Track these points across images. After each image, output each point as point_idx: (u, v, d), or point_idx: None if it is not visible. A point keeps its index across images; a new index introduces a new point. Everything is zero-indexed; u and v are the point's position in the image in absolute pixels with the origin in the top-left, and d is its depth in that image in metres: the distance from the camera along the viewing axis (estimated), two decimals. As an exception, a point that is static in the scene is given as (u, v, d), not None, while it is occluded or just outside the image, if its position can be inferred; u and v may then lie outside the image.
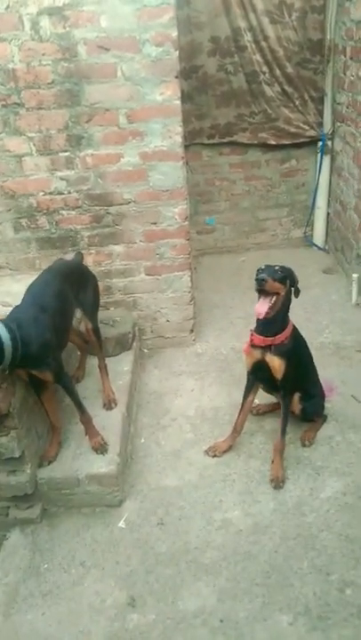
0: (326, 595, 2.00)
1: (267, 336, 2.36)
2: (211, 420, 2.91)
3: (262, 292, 2.23)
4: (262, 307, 2.25)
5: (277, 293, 2.28)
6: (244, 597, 2.03)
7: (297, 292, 2.38)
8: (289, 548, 2.20)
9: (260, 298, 2.26)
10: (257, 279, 2.21)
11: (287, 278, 2.32)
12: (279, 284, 2.27)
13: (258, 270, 2.28)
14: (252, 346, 2.42)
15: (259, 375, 2.50)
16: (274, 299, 2.26)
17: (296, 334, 2.47)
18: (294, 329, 2.46)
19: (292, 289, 2.37)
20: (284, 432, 2.52)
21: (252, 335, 2.42)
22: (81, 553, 2.25)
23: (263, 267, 2.30)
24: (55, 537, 2.32)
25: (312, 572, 2.09)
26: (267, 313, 2.24)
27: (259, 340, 2.38)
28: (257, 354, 2.42)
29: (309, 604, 1.97)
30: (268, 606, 1.99)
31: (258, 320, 2.35)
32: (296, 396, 2.58)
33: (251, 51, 3.99)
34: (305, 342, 2.57)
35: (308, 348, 2.60)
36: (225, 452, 2.67)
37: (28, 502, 2.36)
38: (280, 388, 2.49)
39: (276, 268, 2.30)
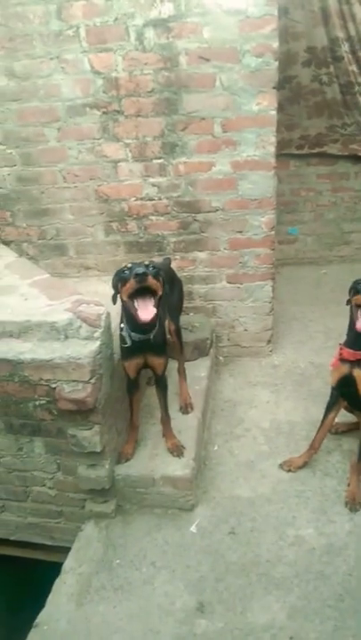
0: None
1: (357, 349, 2.30)
2: (286, 434, 2.87)
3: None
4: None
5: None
6: (315, 618, 1.98)
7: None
8: (364, 573, 2.12)
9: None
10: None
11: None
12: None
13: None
14: (341, 360, 2.37)
15: (344, 391, 2.44)
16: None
17: None
18: None
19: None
20: None
21: (341, 349, 2.36)
22: (152, 553, 2.28)
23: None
24: (128, 534, 2.37)
25: (389, 602, 2.01)
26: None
27: (349, 353, 2.32)
28: (345, 368, 2.36)
29: (385, 635, 1.90)
30: (341, 631, 1.93)
31: (353, 332, 2.30)
32: None
33: (347, 61, 3.92)
34: None
35: None
36: (300, 467, 2.62)
37: (104, 497, 2.43)
38: None
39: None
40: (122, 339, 2.28)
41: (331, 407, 2.54)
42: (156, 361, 2.36)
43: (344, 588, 2.08)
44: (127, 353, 2.32)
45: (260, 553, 2.24)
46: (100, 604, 2.09)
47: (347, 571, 2.15)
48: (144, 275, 2.05)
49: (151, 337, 2.25)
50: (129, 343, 2.26)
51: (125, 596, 2.12)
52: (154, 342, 2.29)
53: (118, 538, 2.36)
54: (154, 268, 2.17)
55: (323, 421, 2.56)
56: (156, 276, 2.13)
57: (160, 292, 2.16)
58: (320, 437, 2.58)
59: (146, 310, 2.09)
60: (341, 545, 2.25)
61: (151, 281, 2.09)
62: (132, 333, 2.24)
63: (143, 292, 2.09)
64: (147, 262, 2.19)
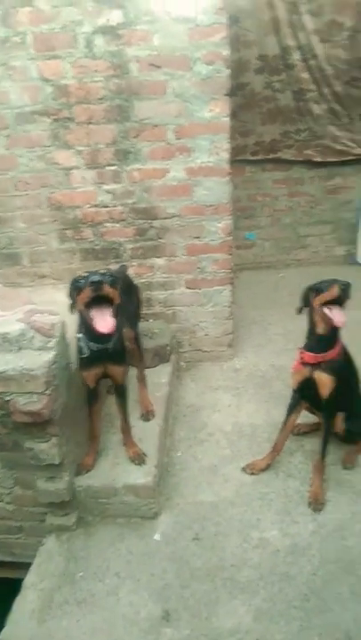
0: (367, 623, 1.94)
1: (318, 352, 2.33)
2: (248, 437, 2.87)
3: None
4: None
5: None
6: (280, 619, 1.98)
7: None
8: (328, 571, 2.13)
9: None
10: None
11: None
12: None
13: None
14: (303, 363, 2.39)
15: (305, 393, 2.46)
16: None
17: (345, 351, 2.44)
18: (344, 346, 2.42)
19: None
20: (324, 453, 2.47)
21: (302, 353, 2.39)
22: (116, 563, 2.24)
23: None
24: (90, 545, 2.33)
25: (352, 598, 2.02)
26: None
27: (310, 357, 2.35)
28: (306, 371, 2.38)
29: (350, 632, 1.91)
30: (306, 631, 1.93)
31: (313, 336, 2.33)
32: (340, 416, 2.53)
33: (299, 69, 4.02)
34: (352, 360, 2.52)
35: (355, 367, 2.55)
36: (263, 470, 2.63)
37: (64, 510, 2.38)
38: (325, 408, 2.44)
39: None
40: (79, 349, 2.25)
41: (292, 409, 2.57)
42: (116, 370, 2.34)
43: (309, 587, 2.09)
44: (85, 363, 2.28)
45: (224, 557, 2.23)
46: (63, 618, 2.04)
47: (311, 570, 2.15)
48: (100, 283, 2.02)
49: (110, 346, 2.23)
50: (87, 353, 2.23)
51: (89, 609, 2.07)
52: (112, 351, 2.26)
53: (80, 550, 2.31)
54: (110, 276, 2.14)
55: (284, 423, 2.58)
56: (112, 285, 2.11)
57: (117, 301, 2.13)
58: (282, 439, 2.60)
59: (103, 320, 2.07)
60: (305, 545, 2.26)
61: (107, 289, 2.06)
62: (90, 343, 2.21)
63: (99, 300, 2.07)
64: (103, 270, 2.17)
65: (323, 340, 2.32)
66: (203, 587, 2.11)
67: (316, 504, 2.40)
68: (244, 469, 2.64)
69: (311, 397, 2.45)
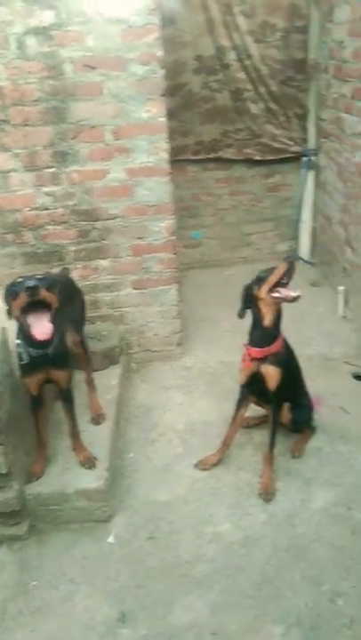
0: (318, 605, 1.99)
1: (263, 347, 2.37)
2: (200, 434, 2.90)
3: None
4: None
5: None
6: (235, 610, 2.01)
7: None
8: (280, 559, 2.19)
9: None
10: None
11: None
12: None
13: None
14: (250, 359, 2.43)
15: (253, 387, 2.51)
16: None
17: (286, 343, 2.50)
18: (284, 337, 2.48)
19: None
20: (273, 444, 2.53)
21: (248, 349, 2.42)
22: (70, 569, 2.22)
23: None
24: (44, 554, 2.29)
25: (304, 583, 2.08)
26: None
27: (257, 352, 2.39)
28: (253, 366, 2.42)
29: (302, 615, 1.96)
30: (261, 618, 1.98)
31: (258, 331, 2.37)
32: (285, 407, 2.60)
33: (235, 69, 4.07)
34: (293, 351, 2.59)
35: (296, 358, 2.62)
36: (215, 465, 2.66)
37: (15, 519, 2.33)
38: (272, 399, 2.49)
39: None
40: (19, 355, 2.20)
41: (240, 404, 2.61)
42: (59, 374, 2.30)
43: (262, 576, 2.13)
44: (26, 369, 2.24)
45: (179, 554, 2.25)
46: (17, 630, 2.00)
47: (264, 560, 2.20)
48: (35, 288, 1.98)
49: (50, 351, 2.19)
50: (27, 360, 2.19)
51: (44, 618, 2.04)
52: (54, 356, 2.21)
53: (33, 559, 2.27)
54: (47, 280, 2.11)
55: (234, 418, 2.62)
56: (49, 289, 2.07)
57: (55, 305, 2.10)
58: (232, 433, 2.64)
59: (40, 326, 2.03)
60: (257, 536, 2.31)
61: (44, 294, 2.02)
62: (30, 349, 2.16)
63: (36, 305, 2.03)
64: (39, 275, 2.13)
65: (267, 333, 2.37)
66: (158, 585, 2.12)
67: (267, 494, 2.45)
68: (196, 466, 2.67)
69: (259, 391, 2.50)
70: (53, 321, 2.08)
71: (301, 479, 2.55)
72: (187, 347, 3.65)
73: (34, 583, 2.17)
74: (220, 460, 2.66)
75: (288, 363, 2.48)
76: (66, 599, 2.10)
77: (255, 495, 2.49)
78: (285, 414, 2.61)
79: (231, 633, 1.94)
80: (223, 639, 1.92)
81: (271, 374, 2.40)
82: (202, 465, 2.66)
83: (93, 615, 2.03)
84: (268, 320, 2.35)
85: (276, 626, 1.95)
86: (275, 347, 2.39)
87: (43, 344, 2.12)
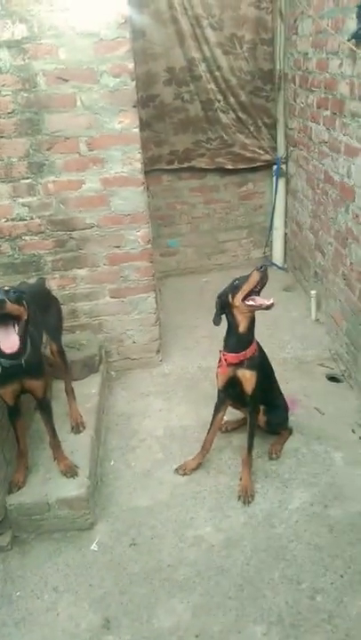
0: (298, 603, 2.04)
1: (239, 352, 2.42)
2: (180, 439, 2.94)
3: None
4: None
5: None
6: (218, 611, 2.05)
7: None
8: (260, 560, 2.23)
9: None
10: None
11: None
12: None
13: None
14: (227, 364, 2.47)
15: (230, 392, 2.56)
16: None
17: (259, 347, 2.56)
18: (257, 342, 2.54)
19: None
20: (251, 447, 2.58)
21: (224, 355, 2.47)
22: (53, 578, 2.23)
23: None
24: (27, 564, 2.30)
25: (283, 582, 2.13)
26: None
27: (232, 357, 2.43)
28: (230, 371, 2.47)
29: (282, 614, 2.01)
30: (242, 618, 2.02)
31: (234, 337, 2.42)
32: (261, 409, 2.65)
33: (205, 80, 4.15)
34: (266, 355, 2.65)
35: (268, 361, 2.68)
36: (194, 469, 2.70)
37: (-3, 530, 2.33)
38: (249, 402, 2.54)
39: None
40: None
41: (218, 408, 2.66)
42: (33, 384, 2.30)
43: (243, 577, 2.18)
44: (0, 380, 2.24)
45: (161, 559, 2.27)
46: (1, 641, 2.00)
47: (244, 561, 2.25)
48: (1, 302, 1.97)
49: (22, 361, 2.17)
50: None
51: (28, 628, 2.04)
52: (28, 366, 2.20)
53: (16, 569, 2.27)
54: (15, 292, 2.10)
55: (212, 423, 2.66)
56: (17, 301, 2.07)
57: (24, 317, 2.10)
58: (210, 438, 2.68)
59: (7, 341, 2.03)
60: (238, 537, 2.35)
61: (10, 307, 2.00)
62: (1, 360, 2.14)
63: (4, 319, 2.02)
64: (6, 287, 2.12)
65: (242, 339, 2.42)
66: (141, 590, 2.15)
67: (246, 497, 2.50)
68: (176, 471, 2.70)
69: (236, 395, 2.55)
70: (24, 332, 2.10)
71: (280, 480, 2.61)
72: (165, 353, 3.69)
73: (17, 594, 2.17)
74: (199, 464, 2.70)
75: (262, 366, 2.54)
76: (50, 608, 2.11)
77: (235, 498, 2.53)
78: (261, 416, 2.67)
79: (214, 634, 1.97)
80: (207, 640, 1.95)
81: (248, 378, 2.45)
82: (182, 470, 2.69)
83: (77, 623, 2.05)
84: (242, 327, 2.40)
85: (257, 625, 1.99)
86: (250, 351, 2.44)
87: (14, 355, 2.11)
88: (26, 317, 2.12)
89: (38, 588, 2.19)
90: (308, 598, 2.06)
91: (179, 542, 2.34)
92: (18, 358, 2.16)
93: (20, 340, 2.07)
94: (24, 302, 2.12)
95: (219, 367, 2.52)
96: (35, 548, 2.37)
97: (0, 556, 2.33)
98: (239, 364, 2.45)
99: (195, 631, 1.99)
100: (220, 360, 2.50)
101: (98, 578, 2.21)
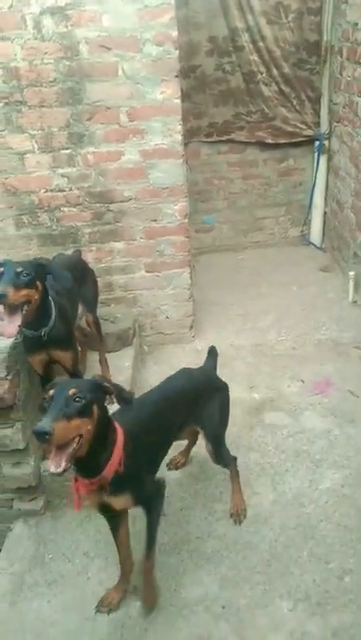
0: (326, 582, 2.05)
1: (91, 476, 1.69)
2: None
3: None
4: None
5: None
6: (245, 585, 2.07)
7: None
8: (289, 537, 2.24)
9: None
10: None
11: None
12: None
13: None
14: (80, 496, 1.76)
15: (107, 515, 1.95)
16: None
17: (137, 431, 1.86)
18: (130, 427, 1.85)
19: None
20: (153, 544, 1.97)
21: (76, 480, 1.74)
22: (84, 544, 2.28)
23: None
24: (59, 528, 2.36)
25: (312, 561, 2.13)
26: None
27: (84, 485, 1.72)
28: (93, 498, 1.79)
29: (309, 591, 2.02)
30: (269, 593, 2.03)
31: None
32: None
33: (248, 51, 4.04)
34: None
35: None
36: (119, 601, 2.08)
37: (31, 494, 2.40)
38: (142, 505, 1.93)
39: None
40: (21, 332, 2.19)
41: (115, 529, 2.03)
42: (60, 355, 2.27)
43: (271, 553, 2.19)
44: (28, 347, 2.23)
45: (190, 530, 2.31)
46: (34, 600, 2.07)
47: (273, 538, 2.26)
48: (2, 296, 1.92)
49: (42, 333, 2.15)
50: (20, 338, 2.17)
51: (60, 589, 2.11)
52: (53, 337, 2.19)
53: (49, 533, 2.34)
54: (27, 274, 2.00)
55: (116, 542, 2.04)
56: (28, 284, 2.00)
57: (36, 297, 2.05)
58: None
59: (9, 327, 1.99)
60: (267, 514, 2.36)
61: (13, 297, 1.94)
62: (24, 329, 2.13)
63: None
64: (19, 268, 2.00)
65: (89, 459, 1.65)
66: (170, 560, 2.19)
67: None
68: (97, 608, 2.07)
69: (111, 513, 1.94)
70: (41, 309, 2.10)
71: (310, 460, 2.59)
72: (198, 330, 3.68)
73: (50, 556, 2.24)
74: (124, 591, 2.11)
75: (141, 468, 1.90)
76: (81, 572, 2.17)
77: (265, 475, 2.54)
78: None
79: (240, 607, 2.00)
80: (233, 612, 1.98)
81: (121, 505, 1.86)
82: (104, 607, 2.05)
83: (107, 587, 2.09)
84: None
85: (283, 601, 2.00)
86: (109, 469, 1.70)
87: (34, 325, 2.11)
88: (37, 297, 2.06)
89: (70, 552, 2.25)
90: (337, 578, 2.06)
91: (208, 515, 2.37)
92: (39, 330, 2.14)
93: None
94: (34, 282, 2.03)
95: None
96: (66, 513, 2.42)
97: (33, 520, 2.40)
98: (101, 489, 1.75)
99: (221, 602, 2.02)
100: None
101: (127, 546, 2.25)
